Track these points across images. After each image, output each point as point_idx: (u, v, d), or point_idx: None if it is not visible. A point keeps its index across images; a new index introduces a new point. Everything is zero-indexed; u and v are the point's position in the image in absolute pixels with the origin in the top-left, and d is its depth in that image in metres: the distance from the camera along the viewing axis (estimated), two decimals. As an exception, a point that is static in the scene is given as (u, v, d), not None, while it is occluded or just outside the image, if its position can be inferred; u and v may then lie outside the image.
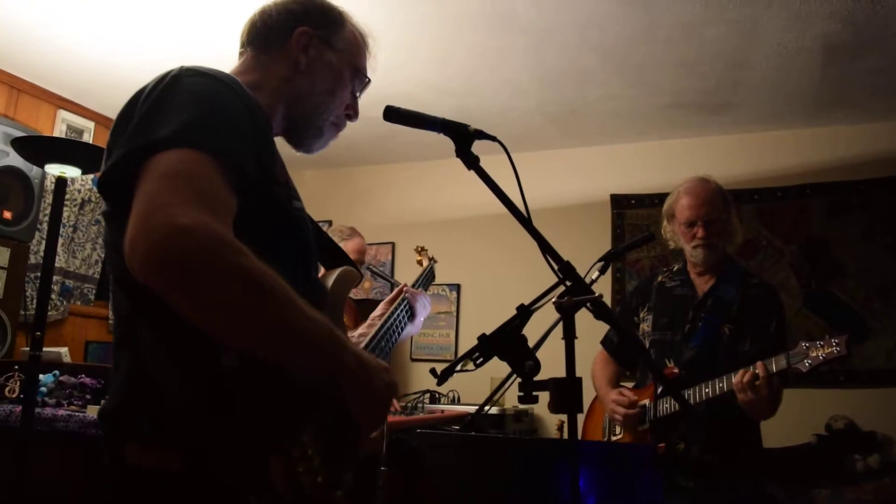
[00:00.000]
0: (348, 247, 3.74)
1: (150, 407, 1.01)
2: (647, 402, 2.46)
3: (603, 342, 2.79)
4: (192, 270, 0.85)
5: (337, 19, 1.34)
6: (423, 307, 1.65)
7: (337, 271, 1.32)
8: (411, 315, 1.62)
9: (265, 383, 0.99)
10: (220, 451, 0.97)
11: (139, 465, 1.00)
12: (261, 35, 1.31)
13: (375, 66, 1.45)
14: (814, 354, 2.09)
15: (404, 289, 1.67)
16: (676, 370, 2.38)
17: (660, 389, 2.38)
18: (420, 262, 2.20)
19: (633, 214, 5.00)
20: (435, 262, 2.16)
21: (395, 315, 1.56)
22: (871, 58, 3.68)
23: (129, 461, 1.01)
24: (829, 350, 2.07)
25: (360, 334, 1.50)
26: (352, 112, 1.39)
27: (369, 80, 1.40)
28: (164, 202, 0.86)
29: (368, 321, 1.56)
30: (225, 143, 0.97)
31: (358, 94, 1.39)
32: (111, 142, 1.06)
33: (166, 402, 0.98)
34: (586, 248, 2.89)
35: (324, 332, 0.98)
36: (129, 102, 1.08)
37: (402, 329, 1.57)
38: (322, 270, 1.38)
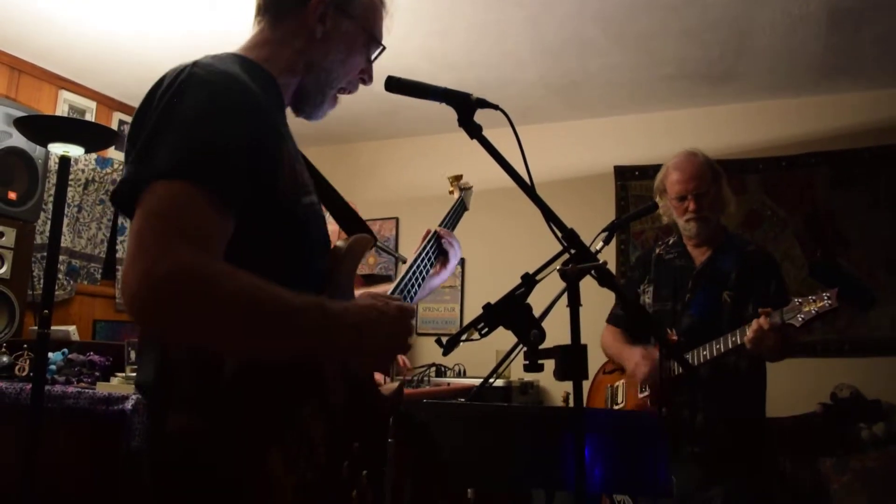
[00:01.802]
0: None
1: (176, 386, 1.07)
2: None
3: (610, 320, 2.79)
4: (169, 316, 0.92)
5: None
6: (454, 250, 1.62)
7: (350, 239, 1.33)
8: (441, 253, 1.58)
9: (265, 376, 1.03)
10: (225, 441, 1.02)
11: (174, 429, 1.06)
12: (275, 3, 1.28)
13: (391, 27, 1.43)
14: (806, 309, 2.11)
15: (434, 230, 1.63)
16: (675, 337, 2.41)
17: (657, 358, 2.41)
18: (451, 193, 2.01)
19: (636, 185, 4.98)
20: (466, 191, 1.99)
21: (422, 256, 1.54)
22: (877, 25, 3.64)
23: (168, 426, 1.06)
24: (821, 304, 2.09)
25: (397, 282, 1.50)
26: (366, 76, 1.38)
27: (384, 47, 1.38)
28: (142, 248, 0.92)
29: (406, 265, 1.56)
30: (219, 169, 1.00)
31: (372, 59, 1.38)
32: (129, 145, 1.08)
33: (185, 386, 1.05)
34: (590, 220, 2.88)
35: (314, 319, 1.02)
36: (146, 99, 1.09)
37: (429, 268, 1.54)
38: (342, 235, 1.40)
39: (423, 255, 1.56)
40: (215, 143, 1.01)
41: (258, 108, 1.09)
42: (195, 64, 1.08)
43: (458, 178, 2.08)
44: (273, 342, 0.99)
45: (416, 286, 1.50)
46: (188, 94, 1.04)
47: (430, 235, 1.63)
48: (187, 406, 1.05)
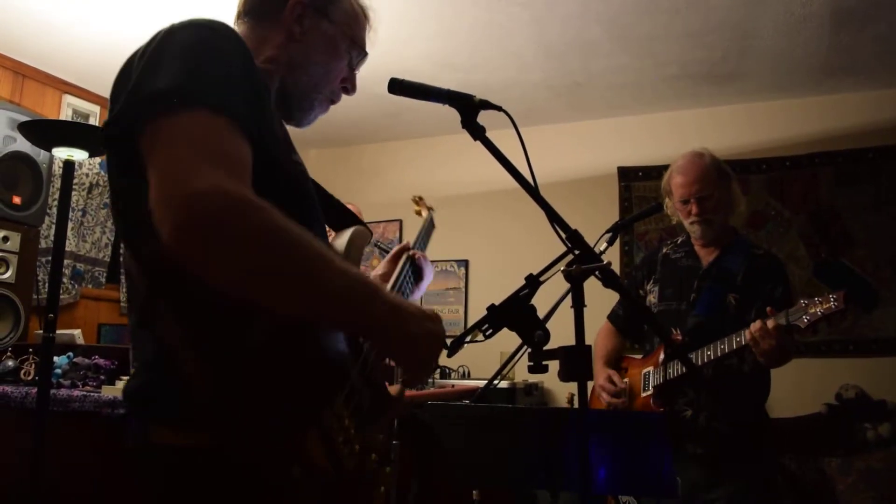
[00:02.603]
0: None
1: (174, 388, 0.98)
2: (650, 368, 2.48)
3: (609, 317, 2.80)
4: (216, 235, 0.84)
5: None
6: (429, 269, 1.58)
7: (349, 231, 1.29)
8: (417, 277, 1.55)
9: (292, 357, 0.98)
10: (252, 430, 0.95)
11: (165, 444, 0.98)
12: (254, 5, 1.28)
13: (375, 40, 1.42)
14: (812, 311, 2.10)
15: (408, 248, 1.58)
16: (680, 337, 2.40)
17: (661, 357, 2.41)
18: (419, 213, 2.06)
19: (640, 186, 4.98)
20: (433, 210, 2.03)
21: (402, 278, 1.49)
22: (880, 24, 3.63)
23: (154, 440, 0.99)
24: (828, 305, 2.08)
25: None
26: (349, 85, 1.35)
27: (366, 54, 1.36)
28: (177, 169, 0.86)
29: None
30: (227, 97, 0.95)
31: (356, 68, 1.36)
32: (112, 100, 1.03)
33: (189, 384, 0.96)
34: (594, 221, 2.88)
35: (355, 283, 0.96)
36: (126, 63, 1.06)
37: (410, 290, 1.51)
38: (331, 234, 1.36)
39: (403, 276, 1.50)
40: (218, 71, 0.97)
41: (249, 55, 1.07)
42: (172, 24, 1.05)
43: (421, 198, 2.13)
44: (315, 293, 0.92)
45: None
46: (176, 36, 1.00)
47: (405, 257, 1.56)
48: (187, 416, 0.97)
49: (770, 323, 2.13)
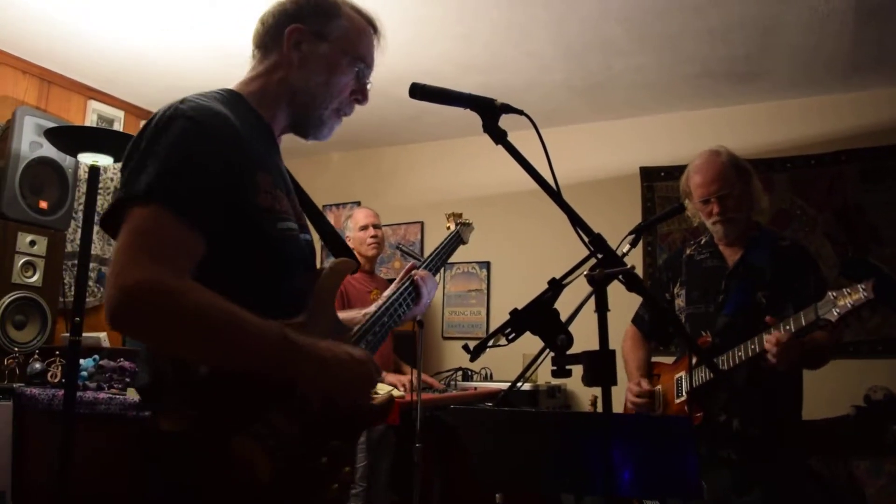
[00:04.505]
0: (358, 216, 3.79)
1: (162, 388, 1.19)
2: (682, 374, 2.44)
3: (634, 320, 2.77)
4: (135, 323, 1.07)
5: (330, 10, 1.39)
6: (426, 291, 1.68)
7: (332, 262, 1.40)
8: (416, 296, 1.65)
9: (232, 378, 1.13)
10: (198, 435, 1.13)
11: (163, 430, 1.17)
12: (262, 39, 1.40)
13: (387, 46, 1.47)
14: (842, 303, 2.04)
15: (413, 272, 1.68)
16: (710, 339, 2.37)
17: (694, 361, 2.37)
18: (448, 228, 2.12)
19: (662, 186, 4.94)
20: (467, 225, 2.09)
21: (397, 297, 1.60)
22: (907, 19, 3.58)
23: (160, 427, 1.17)
24: (857, 296, 2.02)
25: (364, 312, 1.56)
26: (360, 97, 1.44)
27: (369, 67, 1.43)
28: (118, 264, 1.06)
29: (380, 300, 1.62)
30: (188, 193, 1.12)
31: (366, 81, 1.43)
32: (121, 172, 1.21)
33: (169, 389, 1.17)
34: (617, 222, 2.86)
35: (273, 344, 1.12)
36: (138, 133, 1.21)
37: (404, 312, 1.61)
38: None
39: (399, 296, 1.61)
40: (187, 171, 1.13)
41: (234, 140, 1.20)
42: (182, 101, 1.20)
43: (453, 214, 2.21)
44: (229, 358, 1.11)
45: (389, 325, 1.55)
46: (170, 128, 1.16)
47: (407, 277, 1.67)
48: (173, 407, 1.16)
49: (782, 336, 2.12)
